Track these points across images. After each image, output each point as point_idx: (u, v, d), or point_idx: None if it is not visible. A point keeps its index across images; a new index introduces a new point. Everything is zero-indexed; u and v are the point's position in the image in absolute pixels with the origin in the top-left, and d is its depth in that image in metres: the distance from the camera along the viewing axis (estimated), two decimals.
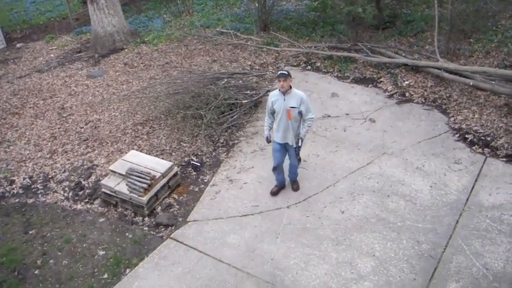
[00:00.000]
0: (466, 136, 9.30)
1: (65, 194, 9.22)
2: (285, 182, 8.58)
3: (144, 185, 8.35)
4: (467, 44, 12.12)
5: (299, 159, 7.95)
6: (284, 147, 8.01)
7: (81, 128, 10.98)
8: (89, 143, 10.43)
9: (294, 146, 7.82)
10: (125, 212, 8.66)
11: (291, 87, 7.62)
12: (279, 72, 7.55)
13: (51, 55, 15.38)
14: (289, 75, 7.56)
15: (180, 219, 8.34)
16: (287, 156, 8.19)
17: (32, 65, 14.71)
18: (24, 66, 14.74)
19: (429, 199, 8.08)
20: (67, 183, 9.45)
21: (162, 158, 9.38)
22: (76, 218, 8.69)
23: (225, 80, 11.20)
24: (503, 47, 11.57)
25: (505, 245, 7.18)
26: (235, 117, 10.26)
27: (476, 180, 8.35)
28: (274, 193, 8.51)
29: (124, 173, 8.66)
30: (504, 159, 8.71)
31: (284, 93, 7.58)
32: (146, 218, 8.48)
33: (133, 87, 12.35)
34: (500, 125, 9.36)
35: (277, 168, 8.29)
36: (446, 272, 6.88)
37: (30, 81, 13.49)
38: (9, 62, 15.17)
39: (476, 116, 9.72)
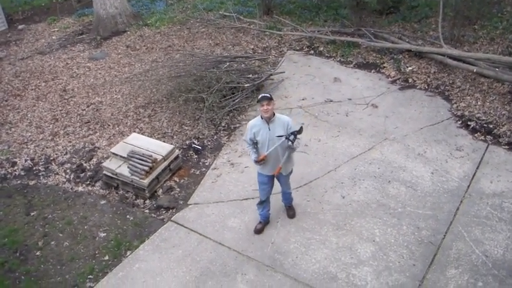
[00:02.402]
0: (469, 123, 9.28)
1: (67, 176, 9.23)
2: (270, 216, 7.78)
3: (146, 168, 8.35)
4: (471, 30, 12.06)
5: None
6: (272, 178, 7.19)
7: (82, 110, 10.97)
8: (90, 125, 10.43)
9: (285, 174, 7.16)
10: (126, 195, 8.68)
11: (274, 113, 6.74)
12: (262, 95, 6.60)
13: (53, 37, 15.32)
14: (272, 98, 6.65)
15: (181, 202, 8.36)
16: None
17: (34, 47, 14.66)
18: (26, 48, 14.68)
19: (430, 185, 8.08)
20: (68, 165, 9.46)
21: (164, 141, 9.38)
22: (77, 200, 8.71)
23: (227, 63, 11.16)
24: (508, 34, 11.51)
25: (505, 232, 7.19)
26: (237, 100, 10.24)
27: (477, 168, 8.34)
28: (259, 231, 7.61)
29: (125, 156, 8.67)
30: (506, 146, 8.70)
31: (268, 121, 6.66)
32: (147, 201, 8.50)
33: (136, 70, 12.31)
34: (503, 112, 9.33)
35: (264, 202, 7.44)
36: (446, 258, 6.90)
37: (32, 63, 13.46)
38: (11, 43, 15.11)
39: (479, 103, 9.69)
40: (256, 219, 7.71)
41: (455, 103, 9.85)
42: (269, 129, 6.68)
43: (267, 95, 6.63)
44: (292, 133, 6.64)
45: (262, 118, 6.70)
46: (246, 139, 6.94)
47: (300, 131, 6.73)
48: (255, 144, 6.82)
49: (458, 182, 8.10)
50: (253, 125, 6.77)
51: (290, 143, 6.59)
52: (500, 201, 7.68)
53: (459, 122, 9.38)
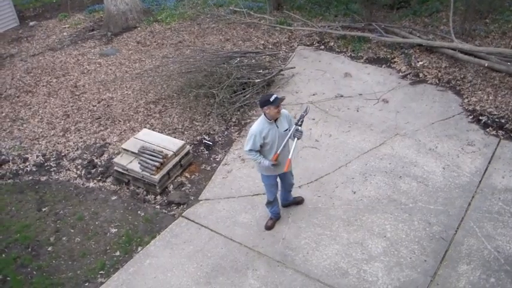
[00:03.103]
0: (480, 118, 9.22)
1: (78, 172, 9.28)
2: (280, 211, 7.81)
3: (156, 164, 8.38)
4: (483, 24, 11.95)
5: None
6: (277, 176, 7.22)
7: (93, 106, 11.01)
8: (101, 121, 10.46)
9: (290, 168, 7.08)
10: (137, 190, 8.71)
11: None
12: (275, 97, 6.43)
13: (64, 33, 15.37)
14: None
15: (192, 198, 8.38)
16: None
17: (45, 44, 14.72)
18: (38, 44, 14.74)
19: (441, 181, 8.04)
20: (80, 161, 9.50)
21: (175, 137, 9.40)
22: (89, 195, 8.75)
23: (238, 59, 11.15)
24: None
25: None
26: (247, 96, 10.23)
27: (489, 163, 8.29)
28: (270, 227, 7.61)
29: (136, 151, 8.69)
30: None
31: (276, 119, 6.61)
32: (158, 197, 8.53)
33: (146, 66, 12.34)
34: None
35: (274, 201, 7.44)
36: (458, 254, 6.87)
37: (43, 59, 13.51)
38: (23, 40, 15.18)
39: (490, 97, 9.62)
40: (267, 215, 7.71)
41: (467, 98, 9.79)
42: (277, 127, 6.63)
43: (277, 96, 6.51)
44: (300, 116, 6.70)
45: (268, 119, 6.56)
46: (250, 149, 6.68)
47: (306, 111, 6.78)
48: (258, 151, 6.73)
49: (469, 177, 8.05)
50: (260, 130, 6.57)
51: (299, 127, 6.61)
52: None
53: (470, 117, 9.32)
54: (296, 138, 6.65)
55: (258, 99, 10.25)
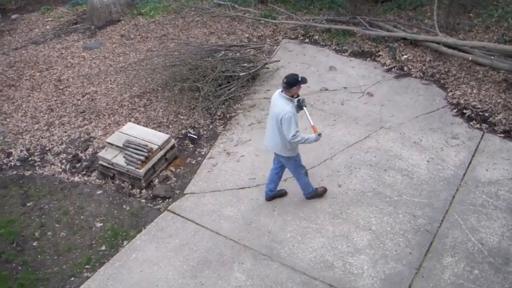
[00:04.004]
0: (464, 111, 9.30)
1: (62, 166, 9.21)
2: None
3: (142, 158, 8.34)
4: (467, 18, 12.03)
5: None
6: None
7: (78, 100, 10.92)
8: (85, 115, 10.38)
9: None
10: (122, 185, 8.67)
11: None
12: (303, 77, 6.85)
13: (47, 27, 15.20)
14: None
15: (177, 192, 8.37)
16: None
17: (28, 37, 14.54)
18: (20, 38, 14.56)
19: (426, 174, 8.11)
20: (64, 155, 9.43)
21: (159, 131, 9.36)
22: (73, 190, 8.70)
23: (223, 52, 11.12)
24: (503, 22, 11.48)
25: (501, 220, 7.24)
26: (232, 89, 10.21)
27: (473, 156, 8.37)
28: (323, 191, 7.89)
29: (121, 145, 8.65)
30: (501, 135, 8.72)
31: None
32: (143, 191, 8.50)
33: (130, 59, 12.25)
34: (498, 100, 9.35)
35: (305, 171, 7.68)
36: (442, 246, 6.95)
37: (26, 53, 13.36)
38: (5, 33, 14.98)
39: (474, 91, 9.70)
40: (253, 208, 7.80)
41: (451, 91, 9.86)
42: (295, 103, 6.92)
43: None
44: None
45: (292, 98, 6.84)
46: (297, 129, 6.75)
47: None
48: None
49: (454, 170, 8.13)
50: (293, 111, 6.74)
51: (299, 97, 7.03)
52: (495, 189, 7.71)
53: (455, 110, 9.39)
54: (304, 107, 7.04)
55: (242, 92, 10.27)
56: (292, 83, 6.74)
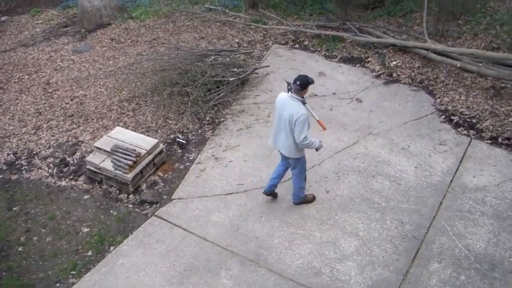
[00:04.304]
0: (452, 118, 9.33)
1: (50, 171, 9.16)
2: None
3: (129, 162, 8.31)
4: (455, 25, 12.09)
5: None
6: None
7: (66, 103, 10.87)
8: (74, 119, 10.34)
9: None
10: (110, 189, 8.63)
11: None
12: (311, 78, 6.94)
13: (37, 29, 15.15)
14: None
15: (165, 197, 8.34)
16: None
17: (17, 39, 14.49)
18: (9, 40, 14.52)
19: (414, 180, 8.12)
20: (52, 159, 9.38)
21: (148, 135, 9.33)
22: (60, 194, 8.65)
23: (213, 57, 11.10)
24: (491, 29, 11.54)
25: (487, 226, 7.26)
26: (221, 94, 10.20)
27: (460, 162, 8.40)
28: (313, 198, 7.95)
29: (109, 150, 8.62)
30: (489, 141, 8.75)
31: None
32: (131, 196, 8.47)
33: (120, 63, 12.22)
34: (486, 107, 9.39)
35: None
36: (429, 252, 6.96)
37: (15, 55, 13.31)
38: None
39: (462, 97, 9.74)
40: (240, 214, 7.79)
41: (439, 98, 9.89)
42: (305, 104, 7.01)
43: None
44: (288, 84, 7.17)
45: (303, 99, 6.98)
46: (308, 132, 6.90)
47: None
48: None
49: (441, 176, 8.15)
50: (307, 113, 6.88)
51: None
52: (482, 196, 7.74)
53: (443, 117, 9.43)
54: (305, 103, 7.05)
55: (232, 97, 10.26)
56: (306, 85, 6.83)
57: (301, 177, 7.54)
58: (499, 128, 8.91)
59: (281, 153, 7.42)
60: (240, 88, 10.63)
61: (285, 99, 6.98)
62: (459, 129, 9.06)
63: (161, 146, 8.99)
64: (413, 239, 7.17)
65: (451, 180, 8.06)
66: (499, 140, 8.76)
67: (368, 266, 6.86)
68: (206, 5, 14.75)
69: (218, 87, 10.28)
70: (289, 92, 6.99)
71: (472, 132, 8.98)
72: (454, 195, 7.80)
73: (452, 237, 7.14)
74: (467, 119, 9.24)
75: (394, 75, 10.73)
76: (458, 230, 7.23)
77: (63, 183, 8.89)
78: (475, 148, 8.66)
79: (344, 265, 6.91)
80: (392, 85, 10.46)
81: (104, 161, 8.61)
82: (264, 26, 13.05)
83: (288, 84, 7.10)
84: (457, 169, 8.27)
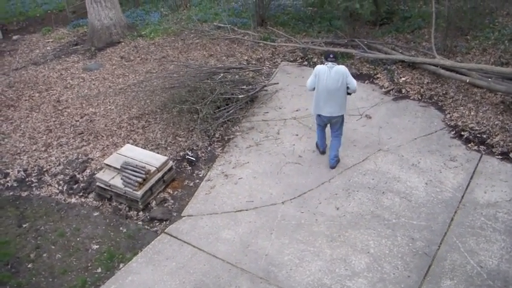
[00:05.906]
0: (462, 133, 9.30)
1: (60, 188, 9.18)
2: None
3: (139, 179, 8.32)
4: (464, 41, 12.10)
5: None
6: None
7: (76, 121, 10.94)
8: (84, 136, 10.39)
9: None
10: (120, 206, 8.63)
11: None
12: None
13: (48, 48, 15.32)
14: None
15: (175, 214, 8.32)
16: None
17: (28, 58, 14.65)
18: (21, 58, 14.67)
19: (424, 196, 8.08)
20: (62, 176, 9.41)
21: (158, 152, 9.34)
22: (70, 211, 8.66)
23: (222, 74, 11.15)
24: (500, 44, 11.54)
25: (500, 242, 7.18)
26: (231, 112, 10.22)
27: (471, 178, 8.34)
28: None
29: (119, 167, 8.63)
30: (499, 156, 8.71)
31: None
32: (141, 213, 8.46)
33: (130, 81, 12.30)
34: (496, 122, 9.35)
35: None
36: (441, 269, 6.89)
37: (26, 73, 13.44)
38: (5, 54, 15.10)
39: (472, 113, 9.71)
40: (250, 231, 7.75)
41: (449, 113, 9.87)
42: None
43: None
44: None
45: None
46: None
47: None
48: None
49: (452, 192, 8.10)
50: None
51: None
52: (494, 212, 7.67)
53: (452, 133, 9.39)
54: None
55: (241, 114, 10.29)
56: (337, 56, 8.59)
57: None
58: (510, 143, 8.86)
59: (328, 118, 8.55)
60: (249, 105, 10.65)
61: (326, 68, 8.21)
62: (469, 145, 9.02)
63: (171, 163, 9.00)
64: (425, 256, 7.11)
65: (462, 196, 8.00)
66: (510, 155, 8.70)
67: (379, 283, 6.80)
68: (215, 23, 14.86)
69: (227, 105, 10.31)
70: (327, 64, 8.25)
71: (482, 147, 8.94)
72: (465, 211, 7.74)
73: (464, 253, 7.07)
74: (478, 135, 9.20)
75: (403, 91, 10.73)
76: (470, 247, 7.16)
77: (73, 200, 8.91)
78: (485, 164, 8.61)
79: (355, 282, 6.85)
80: (402, 101, 10.45)
81: (113, 178, 8.62)
82: (272, 44, 13.12)
83: (325, 58, 8.39)
84: (468, 185, 8.21)
